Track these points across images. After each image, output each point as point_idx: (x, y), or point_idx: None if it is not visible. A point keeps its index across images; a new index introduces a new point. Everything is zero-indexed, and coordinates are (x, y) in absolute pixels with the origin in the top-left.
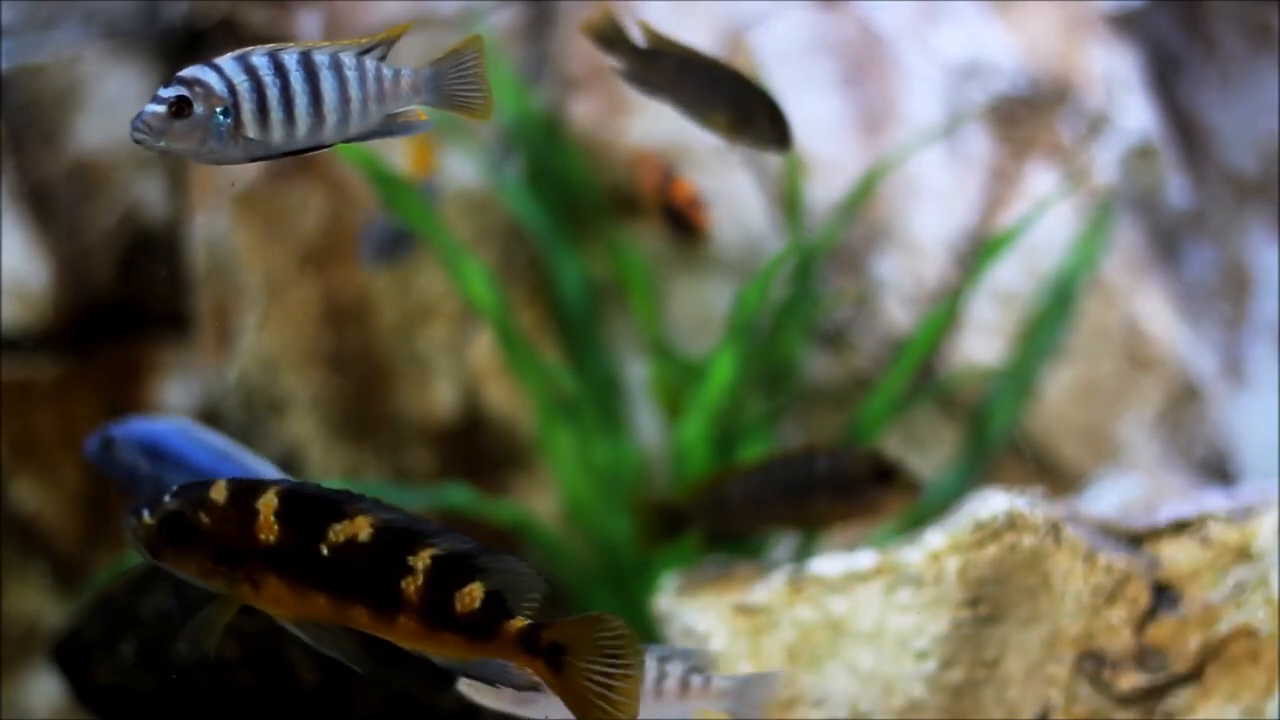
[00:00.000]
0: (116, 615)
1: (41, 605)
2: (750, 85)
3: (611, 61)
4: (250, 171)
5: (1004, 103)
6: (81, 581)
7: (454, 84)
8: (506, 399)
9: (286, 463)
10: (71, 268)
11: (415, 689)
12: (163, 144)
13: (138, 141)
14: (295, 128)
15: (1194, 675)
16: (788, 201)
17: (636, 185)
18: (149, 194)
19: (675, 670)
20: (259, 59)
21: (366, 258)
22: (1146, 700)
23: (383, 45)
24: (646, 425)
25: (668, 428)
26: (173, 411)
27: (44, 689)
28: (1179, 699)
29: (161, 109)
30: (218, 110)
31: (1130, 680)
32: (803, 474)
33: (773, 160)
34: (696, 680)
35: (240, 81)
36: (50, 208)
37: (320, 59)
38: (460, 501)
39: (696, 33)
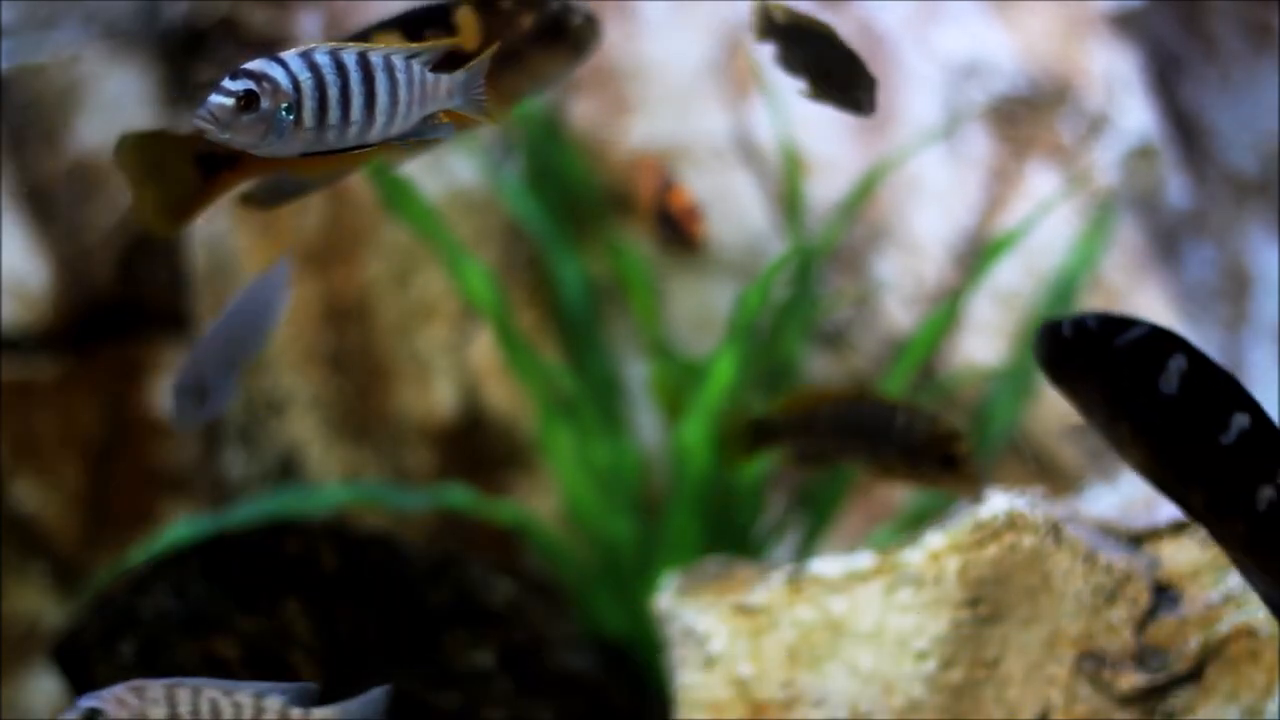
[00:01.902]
0: (116, 615)
1: (41, 605)
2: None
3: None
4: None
5: (1004, 103)
6: (81, 581)
7: (479, 90)
8: (506, 399)
9: (287, 463)
10: (71, 268)
11: (415, 689)
12: (226, 135)
13: (202, 131)
14: (349, 126)
15: (1194, 675)
16: (788, 202)
17: (634, 189)
18: None
19: (274, 705)
20: (321, 57)
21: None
22: (1146, 700)
23: (430, 51)
24: (646, 425)
25: (668, 428)
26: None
27: (44, 689)
28: (1179, 699)
29: (229, 101)
30: (282, 106)
31: (1130, 680)
32: (882, 423)
33: (772, 160)
34: (296, 714)
35: (305, 78)
36: (50, 208)
37: (376, 60)
38: (460, 501)
39: (696, 32)
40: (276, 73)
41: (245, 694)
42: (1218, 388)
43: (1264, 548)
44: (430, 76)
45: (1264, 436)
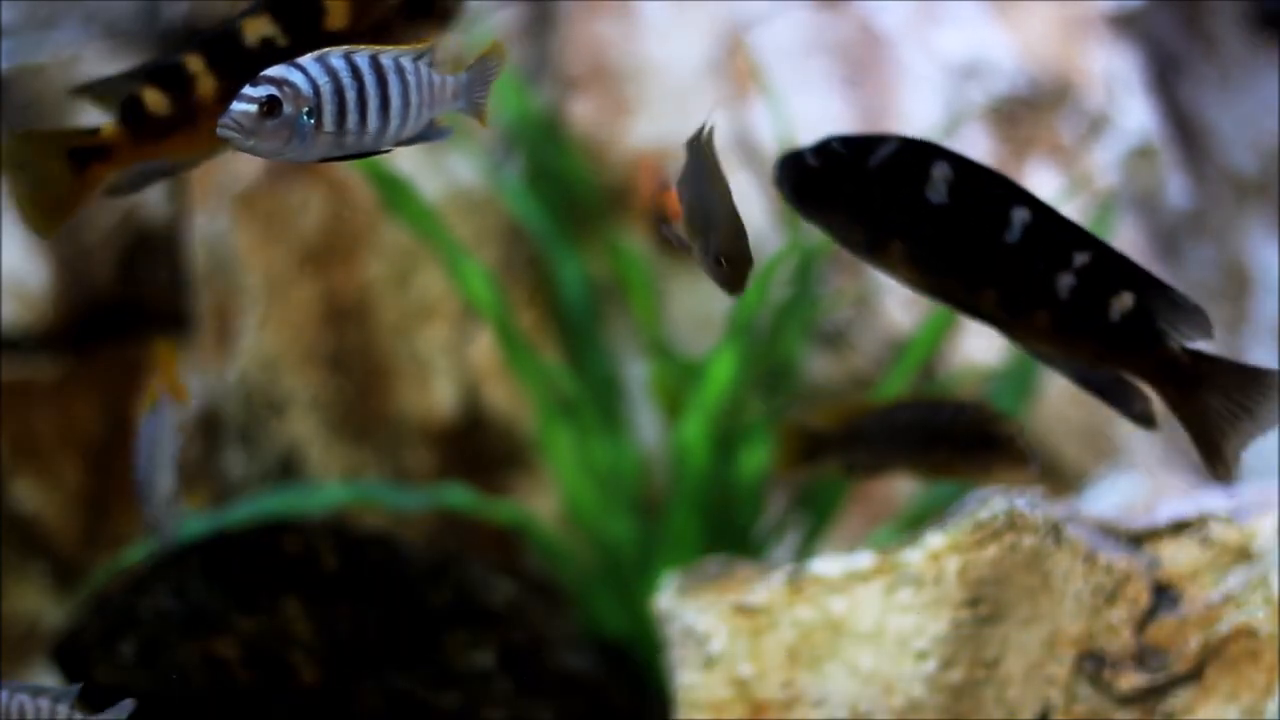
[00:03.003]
0: (116, 615)
1: (41, 605)
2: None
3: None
4: (251, 171)
5: (1004, 103)
6: (81, 581)
7: (479, 91)
8: (506, 399)
9: (287, 462)
10: (71, 268)
11: (415, 689)
12: (251, 143)
13: (225, 139)
14: (365, 130)
15: (1194, 675)
16: None
17: (634, 189)
18: (149, 194)
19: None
20: (337, 60)
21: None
22: (1146, 700)
23: (433, 51)
24: (646, 425)
25: (668, 428)
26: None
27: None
28: (1179, 699)
29: (253, 108)
30: (304, 111)
31: (1130, 680)
32: (927, 421)
33: (772, 160)
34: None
35: (324, 83)
36: None
37: (387, 62)
38: (460, 501)
39: (697, 32)
40: (297, 78)
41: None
42: (989, 187)
43: (1071, 331)
44: (437, 78)
45: (1048, 225)
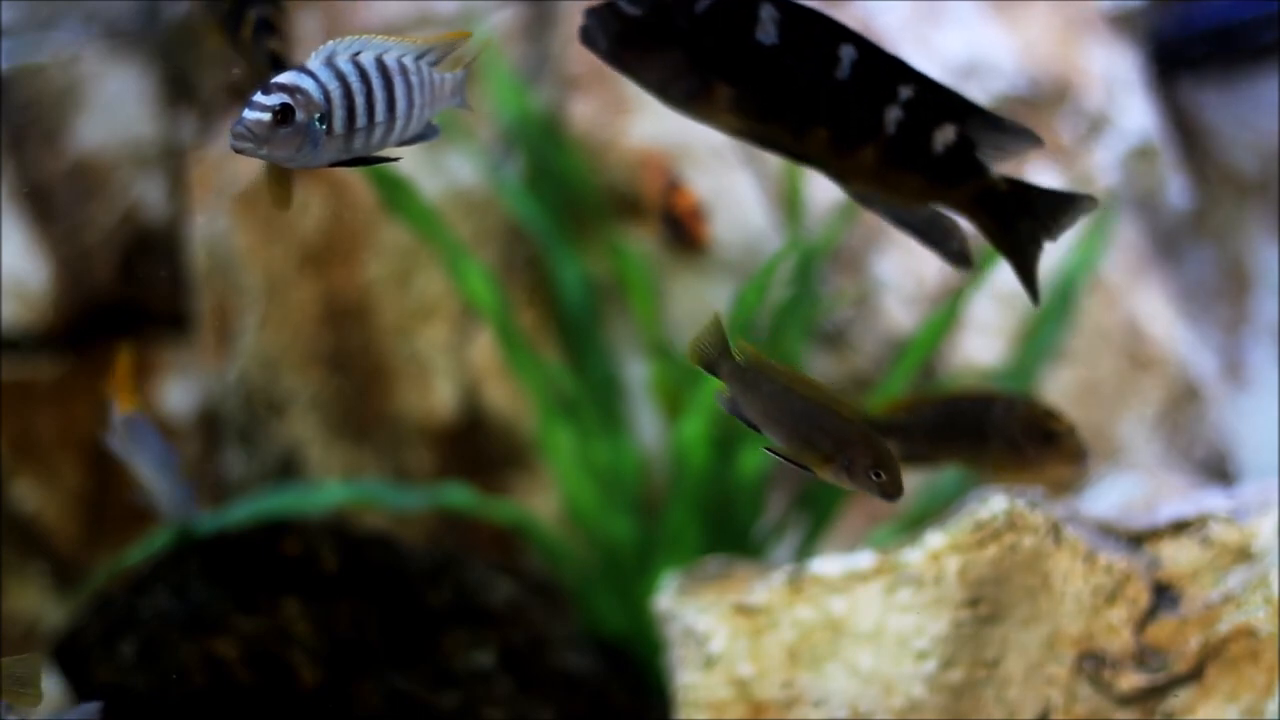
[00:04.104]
0: (116, 615)
1: (41, 605)
2: (857, 425)
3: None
4: (250, 171)
5: (1004, 103)
6: (81, 581)
7: (465, 86)
8: (506, 399)
9: (287, 462)
10: (71, 268)
11: (415, 689)
12: (265, 151)
13: (239, 149)
14: (374, 132)
15: (1194, 675)
16: (788, 201)
17: (641, 186)
18: (149, 194)
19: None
20: (344, 64)
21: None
22: (1146, 700)
23: (438, 50)
24: (646, 425)
25: (668, 428)
26: (173, 411)
27: (44, 689)
28: (1179, 699)
29: (266, 116)
30: (315, 116)
31: (1130, 680)
32: (981, 417)
33: (772, 160)
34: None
35: (334, 88)
36: (50, 208)
37: (391, 63)
38: (460, 501)
39: None
40: (307, 84)
41: None
42: (816, 25)
43: (897, 166)
44: (436, 77)
45: (874, 62)
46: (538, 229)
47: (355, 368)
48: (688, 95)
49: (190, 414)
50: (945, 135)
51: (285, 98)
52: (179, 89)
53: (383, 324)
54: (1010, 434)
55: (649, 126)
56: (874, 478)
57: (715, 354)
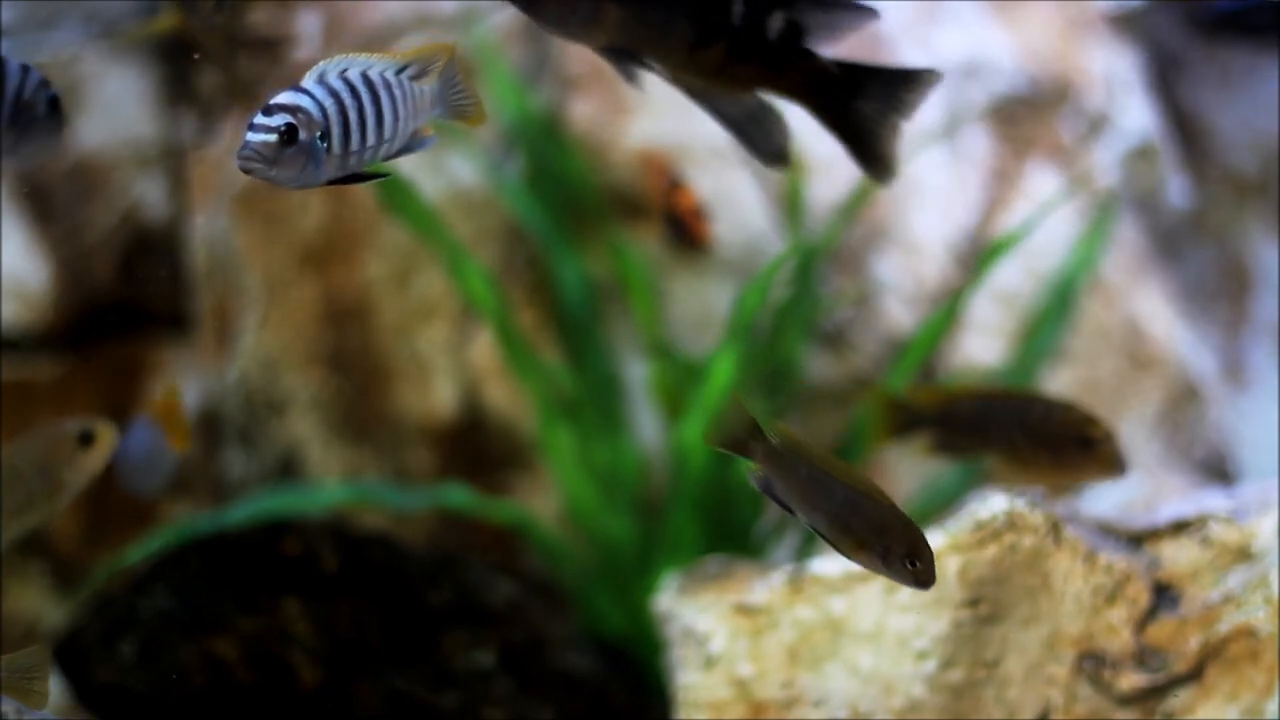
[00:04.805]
0: (116, 615)
1: (41, 605)
2: (893, 511)
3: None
4: None
5: (1004, 103)
6: (81, 581)
7: (453, 96)
8: (506, 399)
9: (287, 462)
10: (71, 268)
11: (415, 689)
12: (273, 173)
13: (248, 170)
14: (365, 148)
15: (1194, 675)
16: (788, 201)
17: (643, 185)
18: (149, 194)
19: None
20: (336, 81)
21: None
22: (1146, 700)
23: (417, 62)
24: (646, 425)
25: (668, 428)
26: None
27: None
28: (1179, 699)
29: (273, 138)
30: (317, 135)
31: (1130, 680)
32: (1021, 416)
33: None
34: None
35: (330, 105)
36: (50, 208)
37: (377, 78)
38: (460, 501)
39: None
40: (307, 103)
41: None
42: None
43: (740, 60)
44: (416, 89)
45: None
46: (538, 229)
47: (355, 368)
48: (584, 22)
49: (190, 414)
50: (776, 23)
51: (288, 118)
52: (179, 89)
53: (383, 324)
54: (1048, 436)
55: (649, 126)
56: (909, 566)
57: (746, 436)
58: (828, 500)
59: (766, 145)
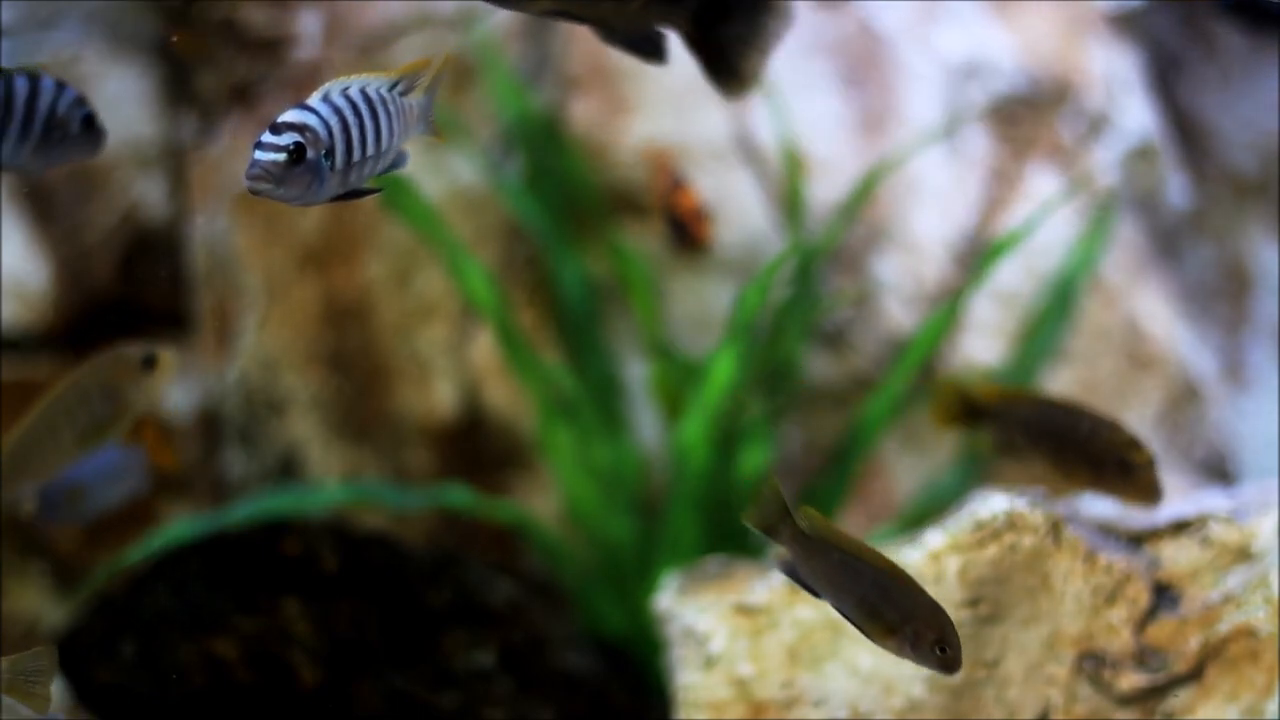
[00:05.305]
0: (116, 615)
1: (41, 605)
2: (921, 596)
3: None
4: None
5: (1004, 103)
6: (81, 581)
7: (430, 111)
8: (506, 399)
9: (287, 462)
10: (71, 268)
11: (415, 689)
12: (282, 191)
13: (257, 190)
14: (365, 165)
15: (1194, 675)
16: (788, 201)
17: (646, 182)
18: (149, 194)
19: None
20: (339, 99)
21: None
22: (1146, 700)
23: (408, 78)
24: (646, 425)
25: (668, 428)
26: (173, 411)
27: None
28: (1179, 699)
29: (282, 156)
30: (322, 153)
31: (1130, 680)
32: (1068, 429)
33: (772, 160)
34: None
35: (334, 123)
36: (50, 208)
37: (373, 95)
38: (460, 501)
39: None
40: (313, 121)
41: None
42: None
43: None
44: (406, 104)
45: None
46: (538, 229)
47: (355, 368)
48: None
49: (190, 414)
50: None
51: (297, 136)
52: (179, 89)
53: (383, 324)
54: (1091, 453)
55: (649, 126)
56: (938, 653)
57: (775, 520)
58: (856, 584)
59: (652, 56)
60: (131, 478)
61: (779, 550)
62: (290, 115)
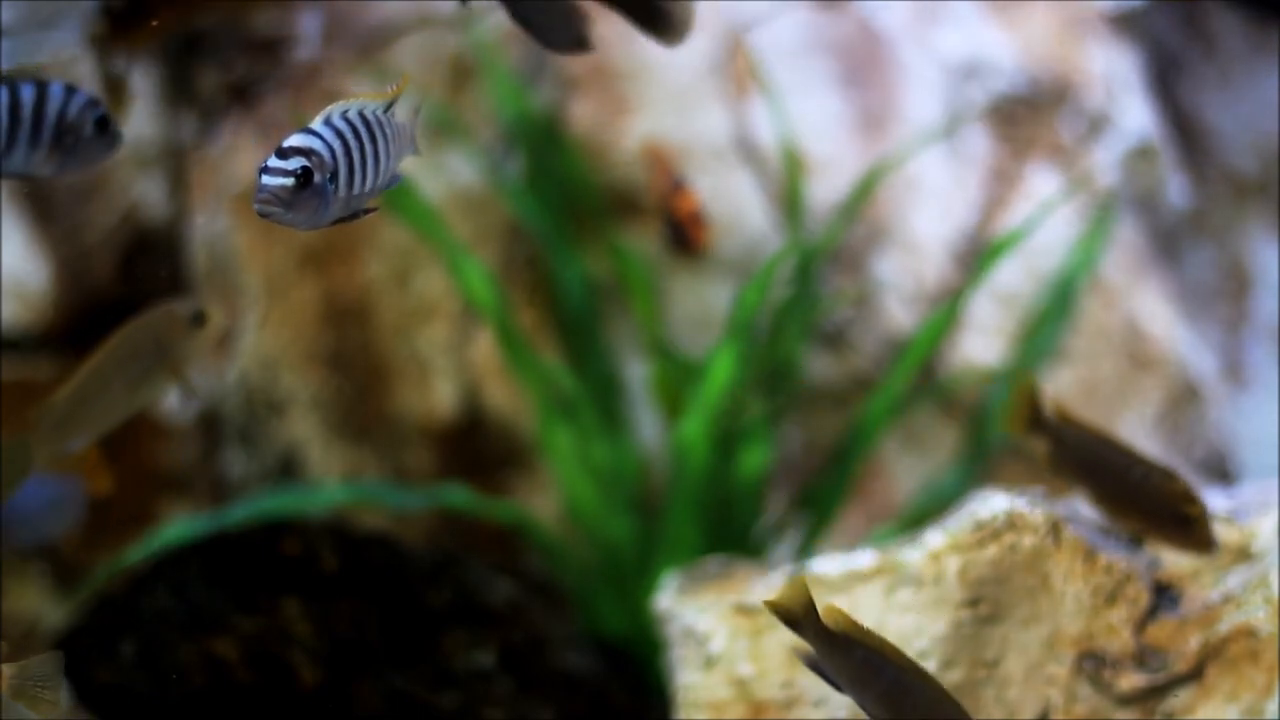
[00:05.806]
0: (116, 615)
1: (41, 605)
2: (942, 694)
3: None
4: (250, 172)
5: (1004, 103)
6: (81, 581)
7: (414, 132)
8: (506, 399)
9: (287, 462)
10: (71, 268)
11: (415, 689)
12: (289, 215)
13: (266, 214)
14: (365, 186)
15: (1194, 675)
16: (788, 201)
17: (645, 180)
18: (149, 194)
19: None
20: (340, 122)
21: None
22: (1146, 700)
23: (393, 101)
24: (646, 425)
25: (668, 428)
26: (173, 411)
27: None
28: (1179, 699)
29: (289, 181)
30: (327, 177)
31: (1130, 680)
32: (1122, 471)
33: (772, 160)
34: None
35: (337, 147)
36: (50, 208)
37: (370, 117)
38: (460, 501)
39: (697, 32)
40: (317, 145)
41: None
42: None
43: None
44: (397, 125)
45: None
46: (538, 229)
47: (355, 368)
48: None
49: (190, 414)
50: None
51: (304, 160)
52: (179, 89)
53: (383, 324)
54: (1144, 501)
55: (648, 126)
56: None
57: (800, 614)
58: (878, 681)
59: (567, 34)
60: (70, 509)
61: (801, 644)
62: (296, 140)
